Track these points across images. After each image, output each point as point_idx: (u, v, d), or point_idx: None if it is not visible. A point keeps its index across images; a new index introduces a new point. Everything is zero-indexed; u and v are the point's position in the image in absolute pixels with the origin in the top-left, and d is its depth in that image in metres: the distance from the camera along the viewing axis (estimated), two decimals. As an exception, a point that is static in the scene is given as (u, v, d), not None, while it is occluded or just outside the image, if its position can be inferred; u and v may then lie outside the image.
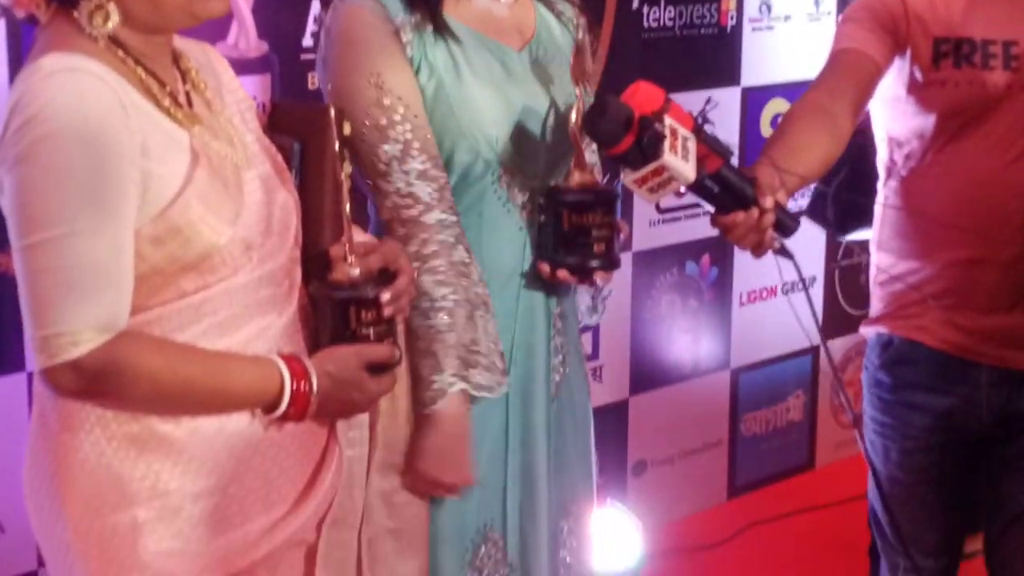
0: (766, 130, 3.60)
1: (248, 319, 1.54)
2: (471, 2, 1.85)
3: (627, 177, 1.74)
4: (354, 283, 1.61)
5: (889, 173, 2.17)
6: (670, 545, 3.35)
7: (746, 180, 1.80)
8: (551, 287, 1.91)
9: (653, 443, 3.54)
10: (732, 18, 3.49)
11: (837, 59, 2.09)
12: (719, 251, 3.59)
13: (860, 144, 2.17)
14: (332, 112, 1.65)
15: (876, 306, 2.20)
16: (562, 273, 1.86)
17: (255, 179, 1.58)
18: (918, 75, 2.07)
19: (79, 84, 1.42)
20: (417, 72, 1.79)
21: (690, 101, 1.73)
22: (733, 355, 3.69)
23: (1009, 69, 2.02)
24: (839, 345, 3.83)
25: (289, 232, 1.61)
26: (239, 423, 1.54)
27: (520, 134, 1.83)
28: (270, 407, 1.55)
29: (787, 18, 3.63)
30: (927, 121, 2.08)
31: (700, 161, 1.74)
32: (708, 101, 1.87)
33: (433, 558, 1.85)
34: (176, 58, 1.59)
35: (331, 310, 1.61)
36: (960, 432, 2.14)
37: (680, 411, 3.58)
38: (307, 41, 2.70)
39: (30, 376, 2.37)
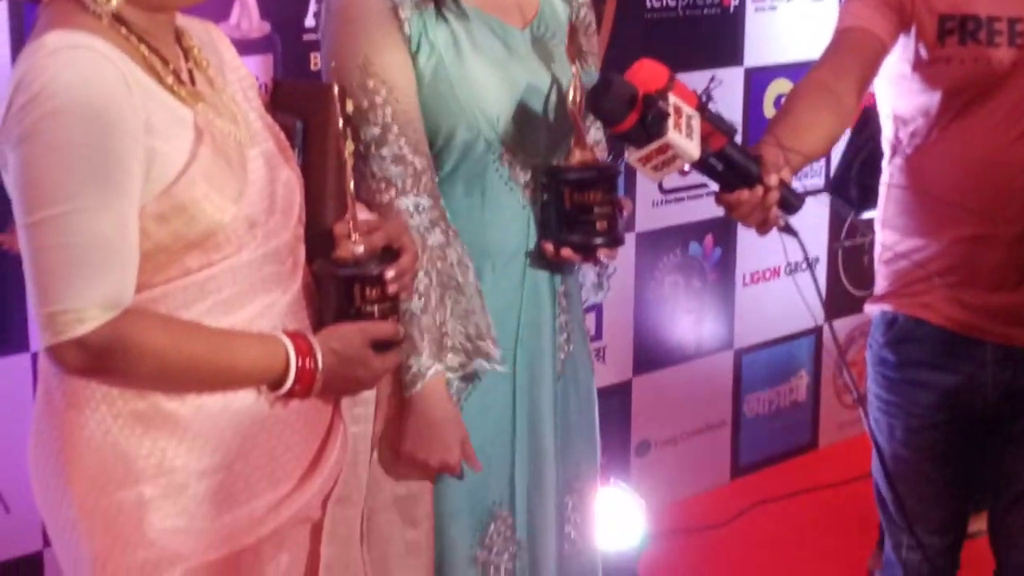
0: (769, 111, 3.59)
1: (253, 297, 1.55)
2: (473, -20, 1.84)
3: (631, 155, 1.74)
4: (358, 261, 1.61)
5: (894, 151, 2.17)
6: (673, 525, 3.36)
7: (750, 158, 1.79)
8: (555, 265, 1.92)
9: (656, 423, 3.54)
10: (735, -2, 3.48)
11: (841, 37, 2.08)
12: (722, 232, 3.59)
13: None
14: (335, 89, 1.65)
15: (881, 284, 2.20)
16: (566, 252, 1.86)
17: (258, 157, 1.58)
18: (923, 52, 2.06)
19: (83, 61, 1.41)
20: (417, 51, 1.79)
21: (693, 82, 1.73)
22: (736, 335, 3.69)
23: (1014, 46, 2.02)
24: (842, 325, 3.83)
25: (293, 210, 1.61)
26: (244, 400, 1.54)
27: (522, 113, 1.83)
28: (275, 384, 1.55)
29: (790, -2, 3.62)
30: (932, 99, 2.08)
31: (704, 139, 1.74)
32: (712, 79, 1.86)
33: (442, 536, 1.86)
34: (179, 36, 1.58)
35: (335, 288, 1.61)
36: (965, 410, 2.14)
37: (683, 391, 3.58)
38: (309, 22, 2.70)
39: (34, 356, 2.37)
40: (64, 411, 1.52)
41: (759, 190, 1.77)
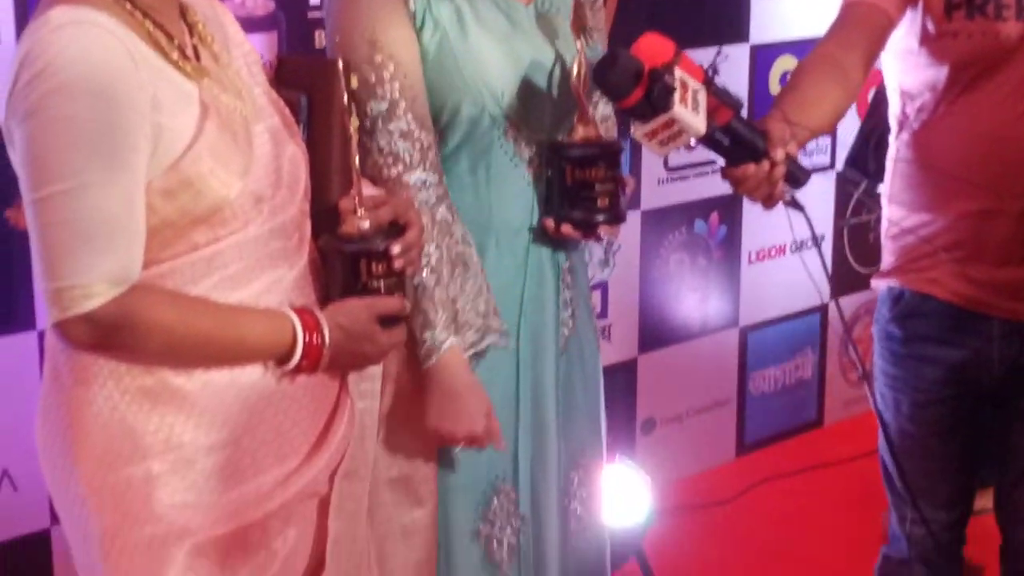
0: (775, 88, 3.58)
1: (259, 272, 1.55)
2: (478, -45, 1.84)
3: (637, 130, 1.74)
4: (364, 236, 1.61)
5: (901, 126, 2.16)
6: (679, 502, 3.37)
7: (757, 132, 1.79)
8: (559, 242, 1.92)
9: (662, 401, 3.55)
10: (741, -26, 3.47)
11: (848, 11, 2.07)
12: (728, 209, 3.59)
13: None
14: (340, 65, 1.64)
15: (887, 259, 2.19)
16: (566, 228, 1.87)
17: (264, 132, 1.58)
18: (930, 27, 2.05)
19: (88, 37, 1.41)
20: (421, 27, 1.78)
21: (698, 59, 1.72)
22: (742, 313, 3.69)
23: (1022, 20, 2.01)
24: (848, 303, 3.82)
25: (298, 185, 1.61)
26: (252, 376, 1.54)
27: (526, 88, 1.83)
28: (283, 360, 1.55)
29: (796, -26, 3.60)
30: (939, 73, 2.07)
31: (710, 113, 1.74)
32: (719, 53, 1.85)
33: (445, 511, 1.87)
34: (183, 11, 1.58)
35: (341, 263, 1.61)
36: (971, 385, 2.14)
37: (689, 369, 3.59)
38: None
39: (41, 335, 2.38)
40: (71, 387, 1.52)
41: (765, 164, 1.77)
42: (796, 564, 3.16)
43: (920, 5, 2.06)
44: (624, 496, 2.88)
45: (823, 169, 3.74)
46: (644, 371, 3.50)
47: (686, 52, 1.73)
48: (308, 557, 1.63)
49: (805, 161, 1.95)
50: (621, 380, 3.40)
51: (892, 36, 2.08)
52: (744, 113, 1.80)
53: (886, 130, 2.24)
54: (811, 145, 3.64)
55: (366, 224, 1.61)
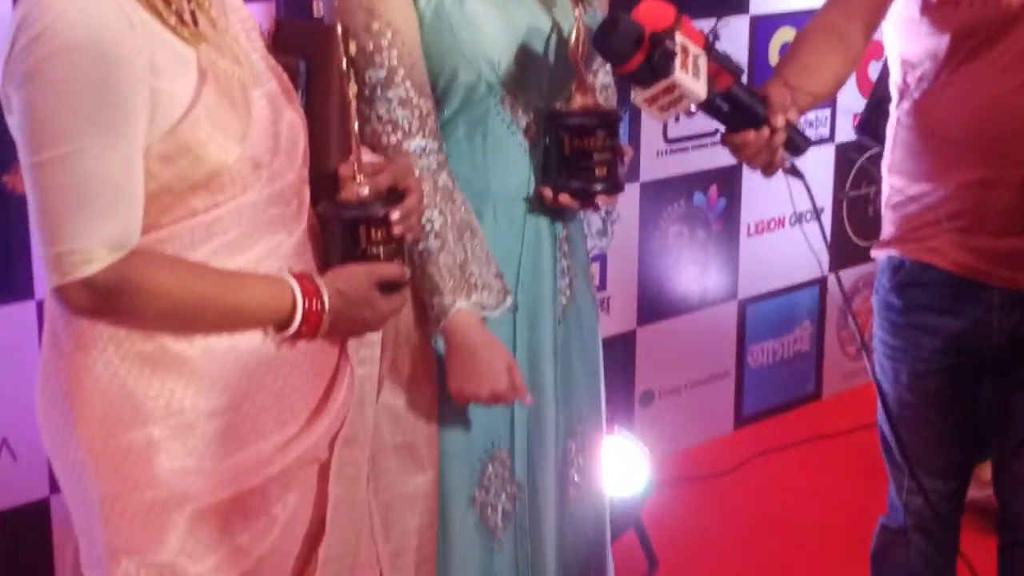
0: (775, 59, 3.57)
1: (258, 238, 1.54)
2: (475, -81, 1.82)
3: (637, 96, 1.73)
4: (363, 202, 1.60)
5: (902, 95, 2.15)
6: (677, 474, 3.38)
7: (757, 99, 1.78)
8: (557, 211, 1.91)
9: (660, 374, 3.55)
10: (740, -55, 3.45)
11: (850, -20, 2.06)
12: (727, 182, 3.58)
13: None
14: (339, 30, 1.63)
15: (887, 229, 2.19)
16: (564, 198, 1.86)
17: (262, 97, 1.57)
18: (931, -5, 2.04)
19: (85, 0, 1.40)
20: None
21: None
22: (740, 286, 3.69)
23: (1024, -13, 2.00)
24: (847, 276, 3.82)
25: (297, 151, 1.60)
26: (251, 341, 1.54)
27: (523, 55, 1.82)
28: (282, 325, 1.55)
29: (796, -55, 3.59)
30: (940, 42, 2.06)
31: (711, 79, 1.73)
32: (719, 19, 1.85)
33: (442, 476, 1.87)
34: (180, -24, 1.57)
35: (341, 229, 1.61)
36: (970, 355, 2.13)
37: (687, 342, 3.59)
38: (311, -33, 2.67)
39: (39, 304, 2.37)
40: (71, 353, 1.52)
41: (765, 131, 1.77)
42: (793, 536, 3.17)
43: (922, -27, 2.05)
44: (622, 467, 2.89)
45: (823, 142, 3.73)
46: (643, 343, 3.50)
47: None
48: (308, 523, 1.63)
49: (815, 131, 1.95)
50: (620, 352, 3.40)
51: (893, 5, 2.07)
52: (744, 81, 1.79)
53: None
54: (811, 117, 3.66)
55: (365, 190, 1.61)
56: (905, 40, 2.12)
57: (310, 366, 1.60)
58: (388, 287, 1.61)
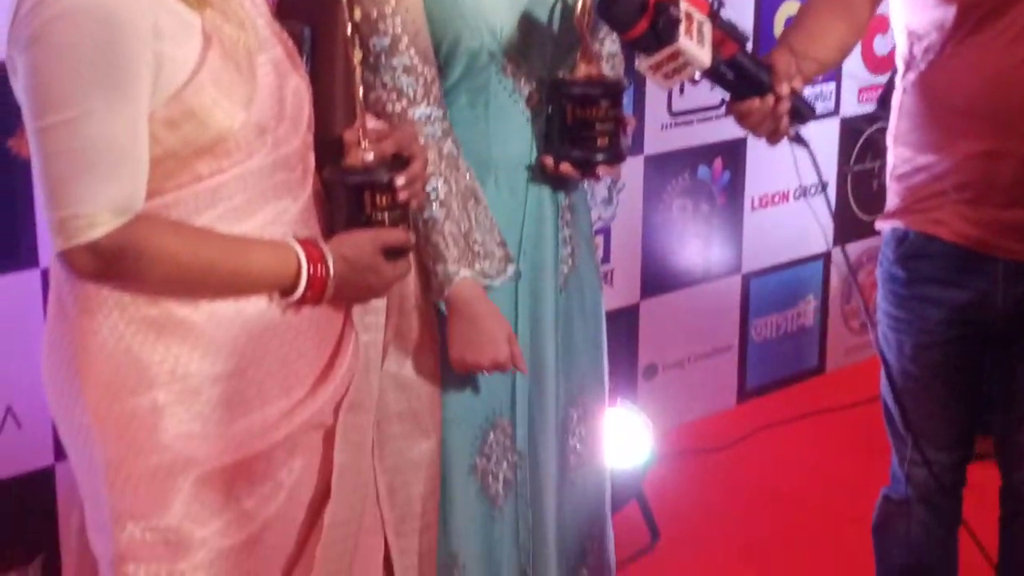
0: (779, 32, 3.55)
1: (263, 204, 1.54)
2: None
3: (641, 63, 1.72)
4: (368, 168, 1.60)
5: (908, 67, 2.15)
6: (680, 447, 3.38)
7: (762, 66, 1.78)
8: (559, 179, 1.91)
9: (664, 347, 3.55)
10: (746, -83, 3.44)
11: (856, -50, 2.05)
12: (731, 155, 3.57)
13: None
14: (344, -4, 1.63)
15: (892, 201, 2.18)
16: (565, 167, 1.86)
17: (267, 63, 1.57)
18: (938, -35, 2.03)
19: (89, -36, 1.40)
20: None
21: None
22: (744, 260, 3.69)
23: (1031, -43, 1.99)
24: (851, 250, 3.81)
25: (302, 116, 1.60)
26: (257, 307, 1.55)
27: (526, 23, 1.81)
28: (287, 291, 1.55)
29: (803, -83, 3.57)
30: (947, 13, 2.05)
31: (715, 47, 1.72)
32: (724, -16, 1.83)
33: (444, 444, 1.87)
34: (185, -59, 1.56)
35: (346, 195, 1.61)
36: (975, 327, 2.13)
37: (691, 315, 3.59)
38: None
39: (44, 273, 2.37)
40: (76, 317, 1.52)
41: (770, 99, 1.76)
42: (795, 509, 3.18)
43: (929, -58, 2.04)
44: (625, 439, 2.89)
45: (827, 116, 3.72)
46: (646, 317, 3.50)
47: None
48: (313, 488, 1.64)
49: (823, 104, 1.94)
50: (623, 325, 3.40)
51: (899, -25, 2.07)
52: (748, 49, 1.79)
53: None
54: (815, 91, 3.64)
55: (370, 156, 1.61)
56: (911, 11, 2.11)
57: (315, 332, 1.61)
58: (393, 253, 1.61)
